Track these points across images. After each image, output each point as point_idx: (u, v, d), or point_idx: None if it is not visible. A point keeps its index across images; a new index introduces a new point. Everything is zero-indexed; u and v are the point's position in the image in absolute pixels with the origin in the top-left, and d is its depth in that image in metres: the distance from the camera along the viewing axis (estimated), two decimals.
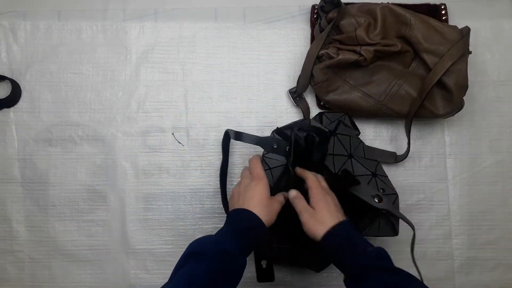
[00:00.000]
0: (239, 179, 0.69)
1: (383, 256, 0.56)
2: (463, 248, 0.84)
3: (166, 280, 0.83)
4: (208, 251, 0.55)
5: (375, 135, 0.85)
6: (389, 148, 0.85)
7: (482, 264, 0.84)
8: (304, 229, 0.60)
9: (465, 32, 0.76)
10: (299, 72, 0.81)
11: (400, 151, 0.83)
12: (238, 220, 0.60)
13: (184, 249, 0.83)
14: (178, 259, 0.83)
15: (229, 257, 0.55)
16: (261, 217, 0.59)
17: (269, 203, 0.62)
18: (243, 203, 0.61)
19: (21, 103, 0.84)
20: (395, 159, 0.83)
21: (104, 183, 0.84)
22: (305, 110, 0.83)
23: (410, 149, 0.84)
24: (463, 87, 0.76)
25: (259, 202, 0.60)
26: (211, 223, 0.84)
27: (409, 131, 0.80)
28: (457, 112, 0.79)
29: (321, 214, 0.59)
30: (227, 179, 0.81)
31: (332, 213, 0.59)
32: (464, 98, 0.78)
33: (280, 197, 0.65)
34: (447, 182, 0.85)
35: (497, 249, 0.84)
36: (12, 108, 0.84)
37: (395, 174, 0.84)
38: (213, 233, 0.83)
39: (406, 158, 0.84)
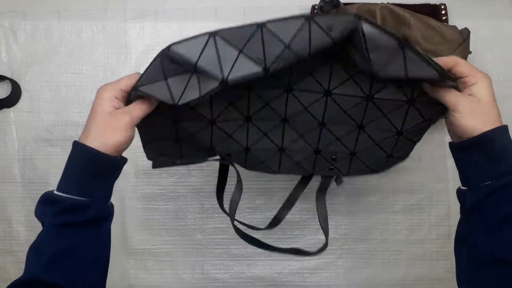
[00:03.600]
0: None
1: None
2: None
3: (166, 280, 0.84)
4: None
5: None
6: None
7: None
8: (455, 121, 0.48)
9: (465, 35, 0.76)
10: None
11: None
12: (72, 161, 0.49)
13: (184, 249, 0.84)
14: (178, 259, 0.84)
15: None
16: (101, 147, 0.47)
17: (111, 122, 0.48)
18: (84, 137, 0.48)
19: (21, 103, 0.84)
20: None
21: None
22: None
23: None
24: None
25: (96, 127, 0.48)
26: (211, 223, 0.84)
27: None
28: None
29: (487, 107, 0.47)
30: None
31: (496, 110, 0.48)
32: None
33: (127, 110, 0.49)
34: (447, 182, 0.85)
35: None
36: (12, 108, 0.84)
37: (395, 174, 0.84)
38: (214, 234, 0.84)
39: (406, 158, 0.84)
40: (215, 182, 0.84)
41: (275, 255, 0.84)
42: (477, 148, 0.47)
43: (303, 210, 0.84)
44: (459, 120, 0.47)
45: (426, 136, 0.85)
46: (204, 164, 0.84)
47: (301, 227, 0.85)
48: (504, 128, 0.47)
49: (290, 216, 0.84)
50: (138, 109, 0.49)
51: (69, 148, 0.86)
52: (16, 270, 0.83)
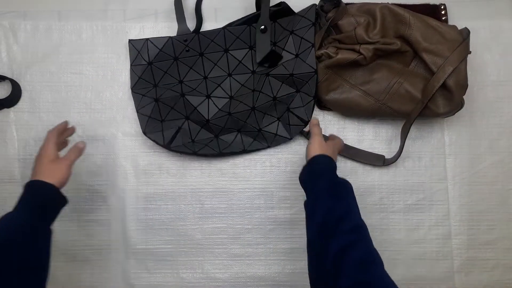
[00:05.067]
0: None
1: (346, 185, 0.66)
2: (462, 248, 0.84)
3: (166, 279, 0.84)
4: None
5: (375, 135, 0.85)
6: (389, 148, 0.85)
7: (481, 264, 0.84)
8: (308, 146, 0.71)
9: (465, 35, 0.76)
10: None
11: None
12: (34, 194, 0.65)
13: (184, 249, 0.84)
14: (178, 259, 0.84)
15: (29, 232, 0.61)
16: (50, 179, 0.63)
17: (56, 166, 0.65)
18: (35, 173, 0.65)
19: (22, 103, 0.85)
20: (384, 162, 0.83)
21: (104, 183, 0.84)
22: None
23: (410, 149, 0.84)
24: (463, 86, 0.76)
25: (46, 168, 0.65)
26: (211, 222, 0.84)
27: (406, 136, 0.80)
28: (457, 111, 0.79)
29: (326, 147, 0.70)
30: None
31: (332, 152, 0.70)
32: (464, 97, 0.78)
33: (67, 157, 0.68)
34: (447, 182, 0.85)
35: (497, 249, 0.84)
36: (12, 108, 0.84)
37: (394, 174, 0.85)
38: (214, 233, 0.84)
39: (406, 158, 0.84)
40: (215, 182, 0.85)
41: (275, 255, 0.84)
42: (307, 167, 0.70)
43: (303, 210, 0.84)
44: (310, 144, 0.70)
45: (425, 136, 0.86)
46: (203, 164, 0.85)
47: (301, 226, 0.85)
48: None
49: (290, 215, 0.85)
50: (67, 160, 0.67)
51: (69, 148, 0.86)
52: None
